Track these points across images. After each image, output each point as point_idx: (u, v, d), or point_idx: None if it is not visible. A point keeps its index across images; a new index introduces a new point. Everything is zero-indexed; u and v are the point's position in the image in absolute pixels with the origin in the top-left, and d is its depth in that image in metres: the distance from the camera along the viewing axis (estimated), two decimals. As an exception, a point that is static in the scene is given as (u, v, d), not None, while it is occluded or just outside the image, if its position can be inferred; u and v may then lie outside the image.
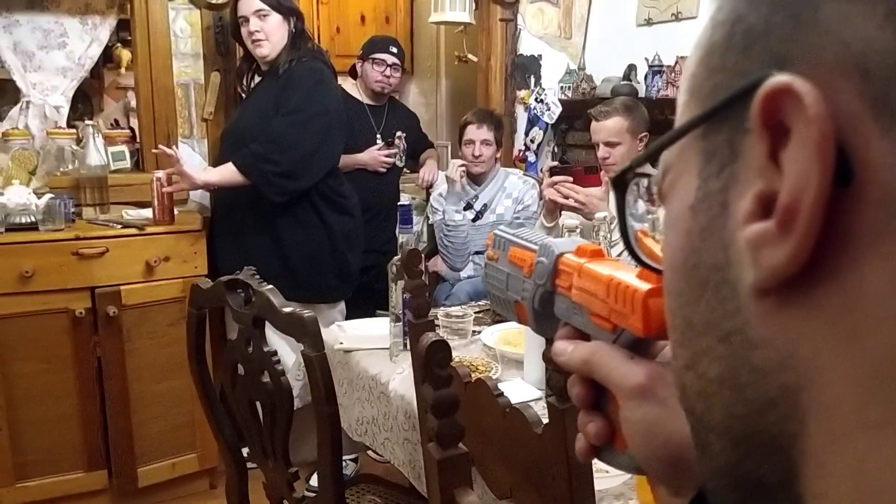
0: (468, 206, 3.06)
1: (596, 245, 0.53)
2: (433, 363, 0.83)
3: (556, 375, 1.01)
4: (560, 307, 0.53)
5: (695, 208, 0.31)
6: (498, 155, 3.11)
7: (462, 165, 3.01)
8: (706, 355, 0.31)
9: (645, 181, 0.41)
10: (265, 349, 1.39)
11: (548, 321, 0.55)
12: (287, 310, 1.31)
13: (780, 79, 0.26)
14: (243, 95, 2.87)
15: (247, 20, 2.56)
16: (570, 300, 0.51)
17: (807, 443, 0.27)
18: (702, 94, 0.31)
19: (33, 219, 2.40)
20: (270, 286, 1.37)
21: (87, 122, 2.77)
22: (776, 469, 0.28)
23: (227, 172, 2.48)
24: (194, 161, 2.91)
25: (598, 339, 0.49)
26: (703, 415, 0.32)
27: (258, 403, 1.46)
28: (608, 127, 2.50)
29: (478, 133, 3.02)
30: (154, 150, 2.66)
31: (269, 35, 2.56)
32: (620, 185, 0.40)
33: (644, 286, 0.45)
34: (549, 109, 3.34)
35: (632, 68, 3.02)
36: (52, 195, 2.45)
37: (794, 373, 0.27)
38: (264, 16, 2.54)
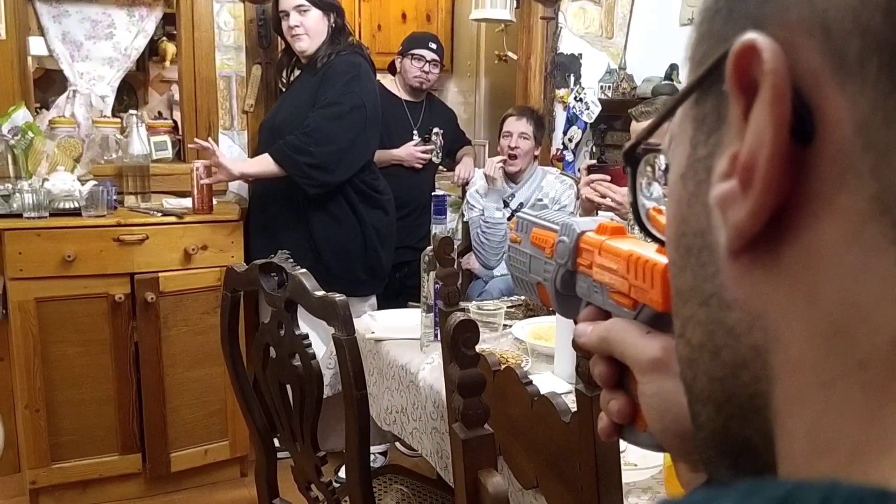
0: (504, 205, 3.05)
1: (617, 224, 0.52)
2: (460, 342, 0.83)
3: (584, 363, 1.00)
4: (581, 286, 0.52)
5: (684, 176, 0.31)
6: (536, 153, 3.10)
7: (500, 162, 2.99)
8: (691, 321, 0.32)
9: (661, 160, 0.41)
10: (297, 332, 1.39)
11: (570, 301, 0.54)
12: (319, 293, 1.32)
13: (745, 37, 0.26)
14: (283, 89, 2.90)
15: (287, 15, 2.58)
16: (591, 279, 0.51)
17: (776, 402, 0.27)
18: (695, 62, 0.31)
19: (77, 205, 2.45)
20: (304, 270, 1.38)
21: (132, 112, 2.82)
22: (757, 430, 0.29)
23: (264, 163, 2.51)
24: (234, 153, 2.95)
25: (619, 316, 0.49)
26: (692, 383, 0.33)
27: (288, 387, 1.47)
28: (649, 127, 2.47)
29: (517, 125, 3.00)
30: (190, 145, 2.70)
31: (308, 30, 2.58)
32: (632, 160, 0.40)
33: (663, 260, 0.44)
34: (588, 109, 3.32)
35: (673, 68, 2.99)
36: (95, 182, 2.50)
37: (762, 333, 0.27)
38: (304, 11, 2.57)
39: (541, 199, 2.98)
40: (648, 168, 0.42)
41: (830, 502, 0.19)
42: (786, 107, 0.25)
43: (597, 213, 2.31)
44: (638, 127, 2.50)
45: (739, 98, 0.26)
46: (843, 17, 0.24)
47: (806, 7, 0.25)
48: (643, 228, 0.42)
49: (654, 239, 0.42)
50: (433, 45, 3.23)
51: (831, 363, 0.25)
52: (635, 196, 0.42)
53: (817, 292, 0.25)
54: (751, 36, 0.26)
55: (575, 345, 0.53)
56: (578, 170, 3.25)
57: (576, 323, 0.53)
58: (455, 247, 1.49)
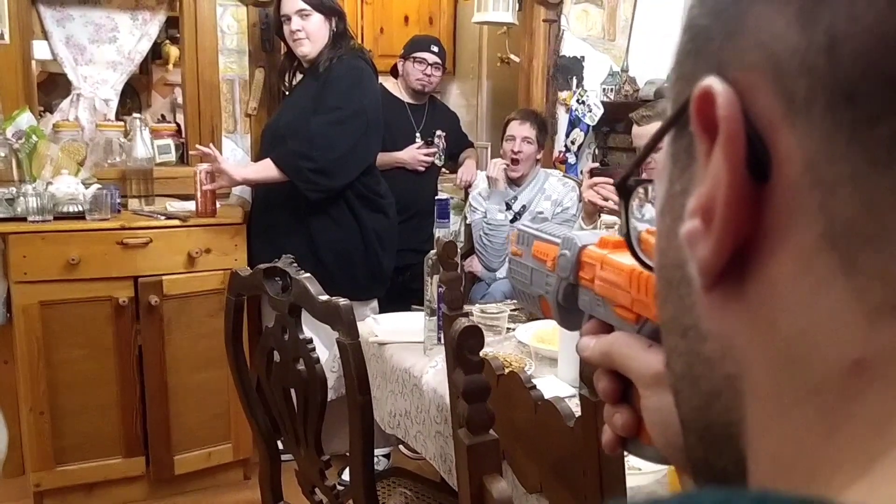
0: (507, 207, 3.05)
1: (619, 237, 0.53)
2: (465, 348, 0.83)
3: (588, 368, 1.00)
4: (584, 300, 0.52)
5: (663, 211, 0.32)
6: (538, 156, 3.10)
7: (504, 164, 2.99)
8: (674, 352, 0.33)
9: (651, 187, 0.41)
10: (300, 337, 1.40)
11: (572, 315, 0.54)
12: (323, 298, 1.32)
13: (703, 83, 0.27)
14: (286, 92, 2.90)
15: (289, 19, 2.58)
16: (593, 292, 0.51)
17: (747, 430, 0.28)
18: (672, 100, 0.32)
19: (81, 208, 2.46)
20: (308, 274, 1.38)
21: (135, 115, 2.83)
22: (732, 460, 0.30)
23: (266, 168, 2.52)
24: (237, 156, 2.96)
25: (621, 330, 0.49)
26: (679, 412, 0.34)
27: (292, 391, 1.47)
28: (650, 132, 2.46)
29: (520, 130, 3.00)
30: (192, 152, 2.70)
31: (310, 34, 2.58)
32: (624, 191, 0.41)
33: None
34: (590, 111, 3.32)
35: (676, 71, 2.98)
36: (99, 186, 2.51)
37: (734, 363, 0.28)
38: (306, 15, 2.57)
39: (541, 212, 2.97)
40: (641, 191, 0.42)
41: None
42: (739, 150, 0.26)
43: (599, 216, 2.30)
44: (639, 131, 2.50)
45: (703, 139, 0.27)
46: (792, 58, 0.24)
47: (761, 49, 0.26)
48: (635, 256, 0.43)
49: (645, 265, 0.42)
50: (435, 49, 3.23)
51: (790, 390, 0.26)
52: (628, 227, 0.42)
53: (776, 323, 0.26)
54: (708, 81, 0.27)
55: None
56: (581, 172, 3.25)
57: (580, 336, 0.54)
58: (458, 250, 1.49)
